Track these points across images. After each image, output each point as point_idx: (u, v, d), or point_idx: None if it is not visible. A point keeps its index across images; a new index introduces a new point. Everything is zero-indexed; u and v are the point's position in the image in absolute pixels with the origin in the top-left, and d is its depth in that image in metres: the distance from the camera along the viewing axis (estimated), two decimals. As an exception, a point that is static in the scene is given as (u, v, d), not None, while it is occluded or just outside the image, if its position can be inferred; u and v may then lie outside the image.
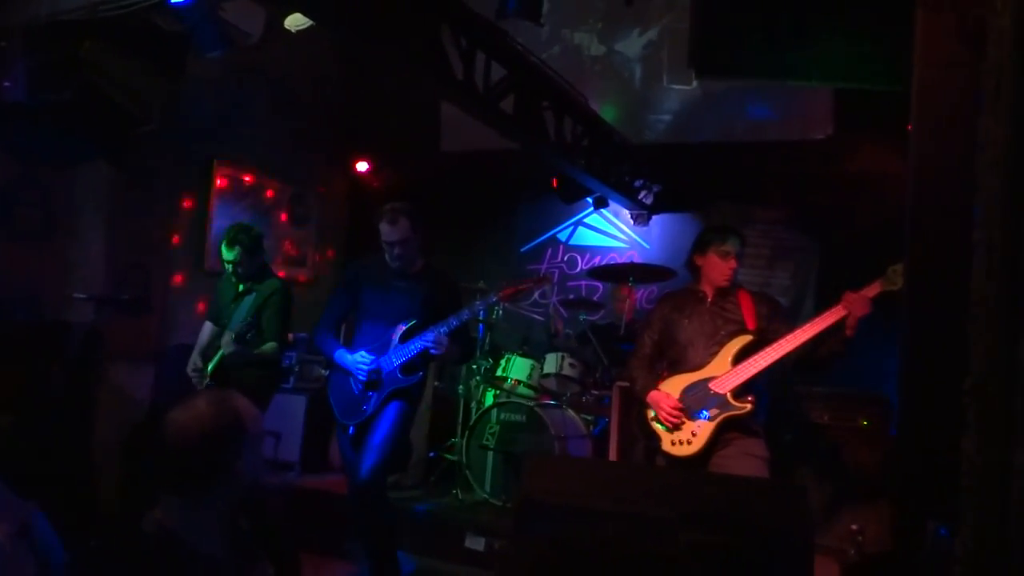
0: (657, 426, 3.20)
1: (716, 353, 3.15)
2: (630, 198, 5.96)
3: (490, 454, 4.79)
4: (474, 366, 5.23)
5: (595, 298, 6.24)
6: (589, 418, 5.05)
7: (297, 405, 5.50)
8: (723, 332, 3.18)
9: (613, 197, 5.92)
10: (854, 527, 4.02)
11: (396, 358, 3.51)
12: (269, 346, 4.01)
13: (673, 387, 3.19)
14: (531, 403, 4.85)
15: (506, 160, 6.04)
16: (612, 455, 4.58)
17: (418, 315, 3.56)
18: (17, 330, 4.50)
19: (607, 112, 5.94)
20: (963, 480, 1.31)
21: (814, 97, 5.69)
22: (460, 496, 4.88)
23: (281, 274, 4.69)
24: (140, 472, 4.66)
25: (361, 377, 3.52)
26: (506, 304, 5.45)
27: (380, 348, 3.57)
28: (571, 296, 6.28)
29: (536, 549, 1.80)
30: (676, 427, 3.13)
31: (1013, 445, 1.24)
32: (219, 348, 4.01)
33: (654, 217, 6.35)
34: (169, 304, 5.57)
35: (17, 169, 4.67)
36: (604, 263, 6.27)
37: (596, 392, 5.12)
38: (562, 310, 6.23)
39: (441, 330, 3.46)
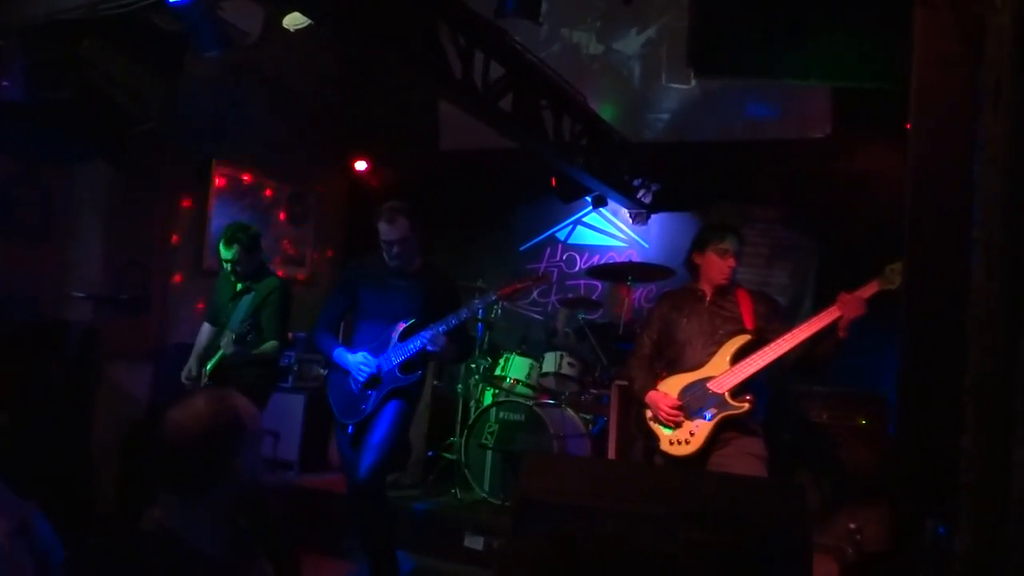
0: (655, 426, 3.19)
1: (714, 352, 3.14)
2: (629, 197, 5.96)
3: (489, 453, 4.79)
4: (473, 365, 5.23)
5: (594, 297, 6.23)
6: (588, 417, 5.04)
7: (296, 404, 5.50)
8: (721, 331, 3.17)
9: (612, 196, 5.92)
10: (853, 526, 4.01)
11: (395, 357, 3.51)
12: (269, 345, 4.00)
13: (672, 387, 3.18)
14: (530, 402, 4.85)
15: (505, 159, 6.03)
16: (611, 454, 4.57)
17: (417, 314, 3.55)
18: (16, 329, 4.49)
19: (606, 111, 5.93)
20: (962, 479, 1.31)
21: (813, 96, 5.68)
22: (459, 495, 4.88)
23: (280, 273, 4.68)
24: (139, 471, 4.66)
25: (361, 379, 3.52)
26: (505, 303, 5.45)
27: (379, 347, 3.56)
28: (570, 295, 6.28)
29: (535, 548, 1.80)
30: (675, 427, 3.13)
31: (1012, 444, 1.24)
32: (218, 348, 3.99)
33: (653, 216, 6.34)
34: (168, 303, 5.56)
35: (16, 168, 4.67)
36: (603, 262, 6.28)
37: (595, 391, 5.11)
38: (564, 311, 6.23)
39: (440, 329, 3.46)
